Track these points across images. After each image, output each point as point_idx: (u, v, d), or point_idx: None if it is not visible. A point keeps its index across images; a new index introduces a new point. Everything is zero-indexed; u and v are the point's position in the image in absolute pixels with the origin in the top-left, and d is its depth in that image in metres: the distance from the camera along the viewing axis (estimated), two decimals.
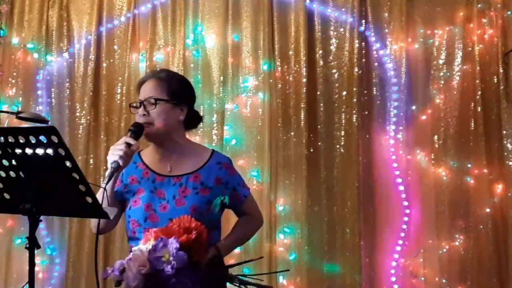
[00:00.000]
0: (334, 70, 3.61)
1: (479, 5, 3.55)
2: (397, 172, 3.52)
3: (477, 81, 3.49)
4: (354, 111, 3.54)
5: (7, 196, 1.59)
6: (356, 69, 3.55)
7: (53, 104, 3.78)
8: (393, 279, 3.45)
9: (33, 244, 1.54)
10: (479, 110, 3.46)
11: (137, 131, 1.91)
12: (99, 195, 1.81)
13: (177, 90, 2.01)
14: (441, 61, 3.57)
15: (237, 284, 1.96)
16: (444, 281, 3.45)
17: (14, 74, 3.79)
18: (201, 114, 2.16)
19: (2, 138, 1.47)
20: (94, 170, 3.69)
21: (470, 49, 3.54)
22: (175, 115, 2.00)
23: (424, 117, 3.59)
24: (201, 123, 2.16)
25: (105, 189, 1.80)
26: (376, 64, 3.60)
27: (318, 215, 3.53)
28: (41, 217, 1.57)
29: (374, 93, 3.59)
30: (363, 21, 3.62)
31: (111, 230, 2.44)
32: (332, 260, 3.50)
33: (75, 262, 3.61)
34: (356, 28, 3.59)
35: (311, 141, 3.57)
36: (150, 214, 1.93)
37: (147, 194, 1.97)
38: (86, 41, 3.78)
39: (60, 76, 3.80)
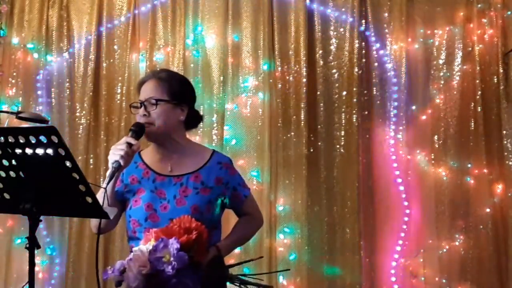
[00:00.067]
0: (334, 70, 3.61)
1: (479, 5, 3.55)
2: (397, 172, 3.52)
3: (477, 81, 3.49)
4: (354, 111, 3.54)
5: (7, 196, 1.58)
6: (356, 69, 3.55)
7: (53, 104, 3.78)
8: (393, 279, 3.45)
9: (33, 244, 1.54)
10: (479, 110, 3.47)
11: (138, 131, 1.92)
12: (99, 195, 1.81)
13: (178, 90, 2.01)
14: (441, 61, 3.57)
15: (238, 284, 1.96)
16: (444, 281, 3.45)
17: (14, 74, 3.79)
18: (201, 114, 2.16)
19: (2, 138, 1.47)
20: (94, 170, 3.69)
21: (470, 49, 3.54)
22: (176, 115, 2.00)
23: (424, 117, 3.59)
24: (201, 123, 2.17)
25: (105, 189, 1.80)
26: (376, 64, 3.60)
27: (318, 215, 3.53)
28: (41, 217, 1.56)
29: (374, 93, 3.59)
30: (363, 21, 3.62)
31: (111, 230, 2.44)
32: (332, 260, 3.50)
33: (75, 262, 3.60)
34: (356, 28, 3.59)
35: (311, 141, 3.57)
36: (150, 214, 1.93)
37: (147, 194, 1.97)
38: (86, 41, 3.78)
39: (60, 76, 3.79)
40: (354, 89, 3.55)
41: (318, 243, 3.50)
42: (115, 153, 1.83)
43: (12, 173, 1.54)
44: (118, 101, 3.71)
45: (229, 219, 2.33)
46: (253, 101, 3.63)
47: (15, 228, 3.65)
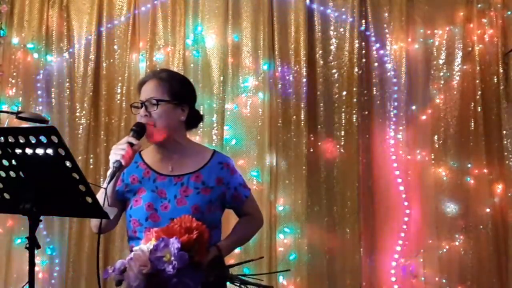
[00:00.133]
0: (334, 70, 3.61)
1: (479, 5, 3.55)
2: (397, 172, 3.52)
3: (477, 81, 3.49)
4: (354, 111, 3.54)
5: (7, 196, 1.58)
6: (356, 69, 3.56)
7: (53, 104, 3.77)
8: (393, 279, 3.45)
9: (33, 244, 1.54)
10: (479, 110, 3.47)
11: (139, 130, 1.92)
12: (100, 195, 1.82)
13: (178, 90, 2.01)
14: (441, 61, 3.57)
15: (238, 284, 1.96)
16: (444, 281, 3.45)
17: (14, 74, 3.78)
18: (201, 114, 2.16)
19: (2, 138, 1.47)
20: (94, 170, 3.69)
21: (470, 49, 3.54)
22: (177, 115, 2.00)
23: (424, 117, 3.59)
24: (201, 123, 2.17)
25: (105, 189, 1.80)
26: (376, 64, 3.61)
27: (318, 215, 3.53)
28: (41, 217, 1.56)
29: (374, 93, 3.59)
30: (363, 21, 3.62)
31: (111, 230, 2.44)
32: (332, 260, 3.50)
33: (75, 262, 3.60)
34: (356, 28, 3.59)
35: (311, 141, 3.57)
36: (151, 214, 1.93)
37: (148, 194, 1.97)
38: (86, 41, 3.78)
39: (60, 76, 3.79)
40: (354, 89, 3.55)
41: (318, 243, 3.50)
42: (116, 153, 1.83)
43: (12, 173, 1.54)
44: (118, 101, 3.71)
45: (229, 219, 2.33)
46: (253, 101, 3.62)
47: (15, 228, 3.65)
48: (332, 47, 3.63)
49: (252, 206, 2.17)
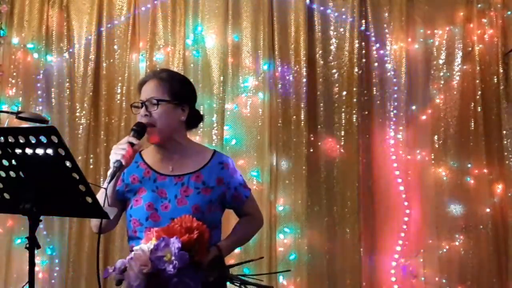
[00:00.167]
0: (334, 70, 3.61)
1: (479, 5, 3.55)
2: (397, 172, 3.52)
3: (477, 81, 3.49)
4: (354, 111, 3.54)
5: (7, 196, 1.58)
6: (356, 69, 3.56)
7: (53, 104, 3.77)
8: (393, 279, 3.46)
9: (33, 244, 1.54)
10: (479, 110, 3.47)
11: (140, 130, 1.92)
12: (100, 195, 1.82)
13: (179, 90, 2.01)
14: (441, 61, 3.57)
15: (238, 284, 1.97)
16: (444, 281, 3.45)
17: (14, 74, 3.78)
18: (202, 113, 2.16)
19: (2, 138, 1.47)
20: (94, 170, 3.69)
21: (470, 49, 3.54)
22: (177, 115, 2.00)
23: (424, 117, 3.59)
24: (202, 123, 2.17)
25: (105, 189, 1.80)
26: (376, 64, 3.61)
27: (318, 215, 3.53)
28: (41, 217, 1.56)
29: (374, 93, 3.59)
30: (363, 21, 3.62)
31: (111, 230, 2.44)
32: (332, 260, 3.50)
33: (75, 262, 3.60)
34: (356, 28, 3.59)
35: (311, 141, 3.57)
36: (151, 214, 1.93)
37: (148, 194, 1.97)
38: (86, 41, 3.78)
39: (60, 76, 3.79)
40: (354, 89, 3.55)
41: (318, 243, 3.50)
42: (117, 153, 1.83)
43: (12, 173, 1.54)
44: (118, 101, 3.71)
45: (229, 219, 2.33)
46: (253, 101, 3.62)
47: (15, 228, 3.64)
48: (332, 47, 3.63)
49: (252, 206, 2.17)
